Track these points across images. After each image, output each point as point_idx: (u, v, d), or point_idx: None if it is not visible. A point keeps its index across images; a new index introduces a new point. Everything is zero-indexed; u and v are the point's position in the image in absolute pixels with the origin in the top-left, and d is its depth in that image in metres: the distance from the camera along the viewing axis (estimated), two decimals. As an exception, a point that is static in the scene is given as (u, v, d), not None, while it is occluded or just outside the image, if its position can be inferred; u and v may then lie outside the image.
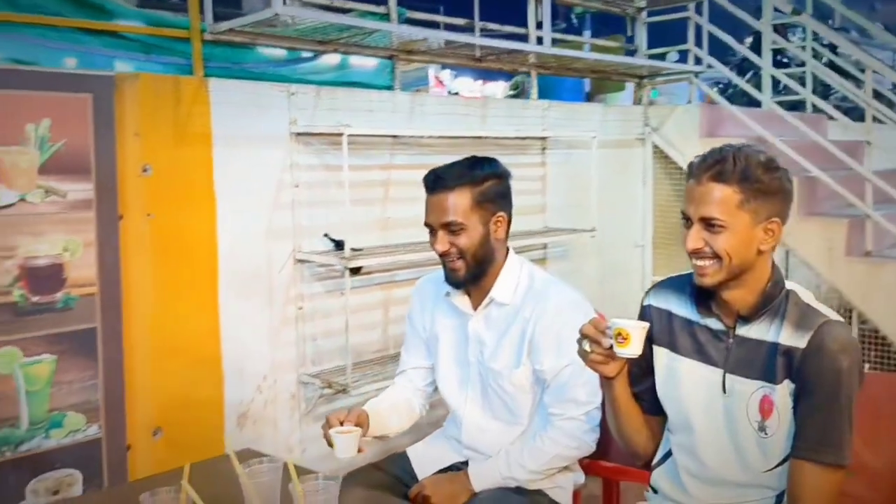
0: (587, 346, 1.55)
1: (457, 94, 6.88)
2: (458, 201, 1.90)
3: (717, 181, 1.50)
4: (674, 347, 1.67)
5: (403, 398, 2.16)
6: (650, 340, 1.67)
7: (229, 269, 3.06)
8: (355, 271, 3.31)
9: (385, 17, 3.54)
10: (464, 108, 3.95)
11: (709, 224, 1.52)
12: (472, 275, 1.98)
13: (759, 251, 1.54)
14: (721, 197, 1.50)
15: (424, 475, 2.02)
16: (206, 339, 3.02)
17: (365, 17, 3.44)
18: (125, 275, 2.78)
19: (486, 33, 4.20)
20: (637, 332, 1.51)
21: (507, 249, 2.06)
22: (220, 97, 3.01)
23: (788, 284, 1.61)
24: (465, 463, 2.03)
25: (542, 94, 4.37)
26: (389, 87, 3.67)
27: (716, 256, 1.53)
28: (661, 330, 1.69)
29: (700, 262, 1.54)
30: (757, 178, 1.51)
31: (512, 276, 2.02)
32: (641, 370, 1.70)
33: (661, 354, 1.69)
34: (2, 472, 2.51)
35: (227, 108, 3.02)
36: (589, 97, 5.62)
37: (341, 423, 1.78)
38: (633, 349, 1.52)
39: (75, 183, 2.62)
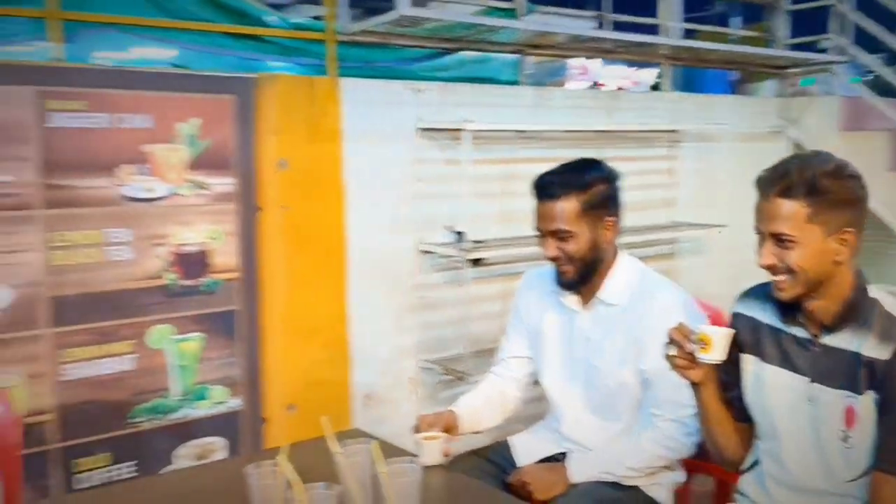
0: (672, 350, 1.57)
1: (595, 84, 6.82)
2: (566, 209, 1.94)
3: (783, 196, 1.49)
4: (761, 355, 1.66)
5: (497, 391, 2.24)
6: (738, 347, 1.66)
7: (357, 258, 3.24)
8: (476, 262, 3.42)
9: (512, 12, 3.60)
10: (591, 102, 3.95)
11: (779, 240, 1.50)
12: (581, 277, 2.02)
13: (835, 262, 1.51)
14: (789, 212, 1.48)
15: (524, 464, 2.09)
16: (335, 323, 3.21)
17: (491, 14, 3.51)
18: (262, 262, 3.01)
19: (618, 25, 4.17)
20: (719, 338, 1.52)
21: (616, 249, 2.09)
22: (351, 96, 3.18)
23: (874, 292, 1.56)
24: (564, 455, 2.08)
25: (685, 85, 4.29)
26: (516, 82, 3.73)
27: (790, 271, 1.52)
28: (749, 337, 1.68)
29: (775, 278, 1.53)
30: (824, 188, 1.47)
31: (621, 277, 2.05)
32: (731, 377, 1.70)
33: (748, 362, 1.68)
34: (153, 437, 2.80)
35: (357, 105, 3.19)
36: (736, 87, 5.42)
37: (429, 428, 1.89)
38: (715, 355, 1.52)
39: (219, 177, 2.87)
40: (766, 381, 1.64)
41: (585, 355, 2.09)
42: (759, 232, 1.55)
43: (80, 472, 2.67)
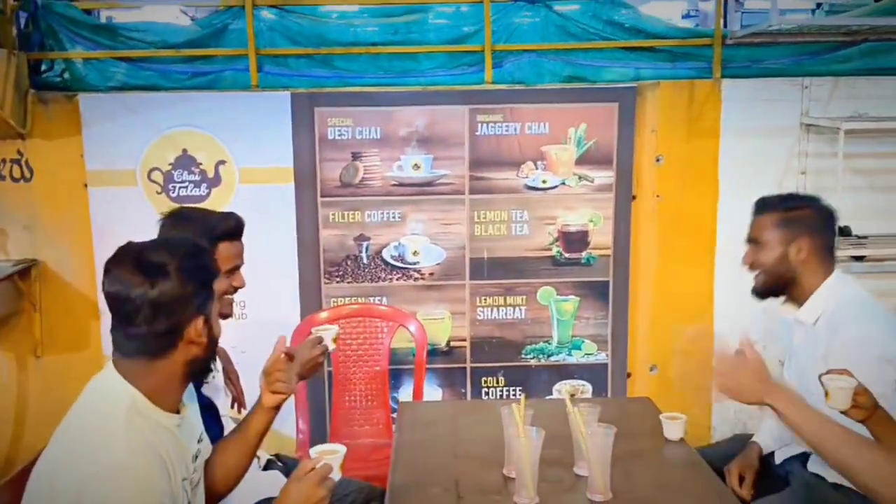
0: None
1: None
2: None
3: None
4: None
5: None
6: None
7: (726, 243, 3.54)
8: (859, 259, 3.43)
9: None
10: None
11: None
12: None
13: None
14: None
15: None
16: (702, 299, 3.60)
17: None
18: (634, 242, 3.56)
19: None
20: (832, 387, 1.67)
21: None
22: (731, 94, 3.47)
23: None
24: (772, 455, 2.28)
25: None
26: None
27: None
28: None
29: None
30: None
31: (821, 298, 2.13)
32: None
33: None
34: (537, 372, 3.62)
35: (737, 103, 3.47)
36: None
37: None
38: (834, 404, 1.68)
39: (601, 171, 3.49)
40: None
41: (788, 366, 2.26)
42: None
43: (485, 387, 3.63)
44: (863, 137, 3.37)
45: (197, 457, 1.65)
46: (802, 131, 3.48)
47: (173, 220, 2.03)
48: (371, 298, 3.52)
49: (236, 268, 2.08)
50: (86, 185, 3.44)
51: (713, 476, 1.89)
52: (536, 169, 3.47)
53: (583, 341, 3.62)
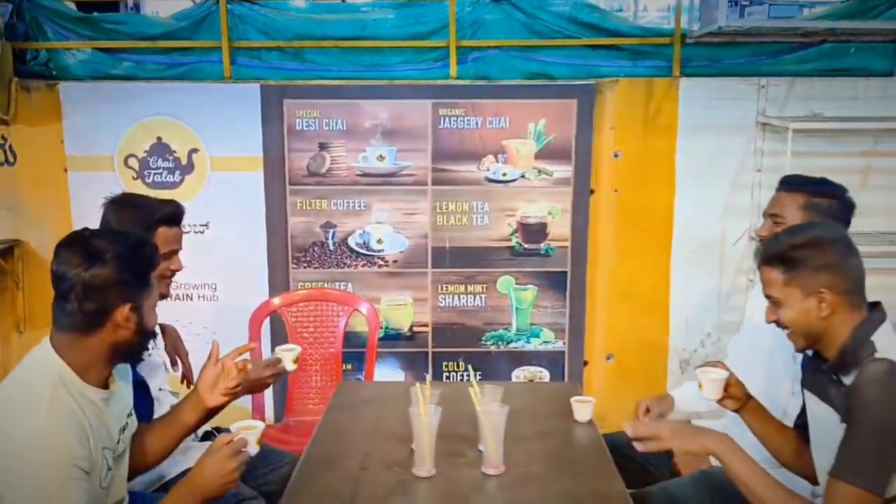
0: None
1: None
2: None
3: (766, 265, 1.72)
4: (810, 388, 1.79)
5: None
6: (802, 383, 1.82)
7: (683, 238, 3.65)
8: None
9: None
10: None
11: (772, 300, 1.71)
12: None
13: (820, 318, 1.65)
14: (770, 278, 1.72)
15: None
16: (657, 292, 3.70)
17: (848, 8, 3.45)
18: (592, 235, 3.66)
19: None
20: (704, 379, 1.81)
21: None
22: (689, 93, 3.56)
23: (880, 335, 1.62)
24: None
25: None
26: (890, 73, 3.57)
27: (785, 327, 1.71)
28: (808, 374, 1.81)
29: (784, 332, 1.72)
30: (794, 258, 1.67)
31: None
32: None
33: (806, 397, 1.82)
34: (496, 357, 3.75)
35: (694, 102, 3.56)
36: None
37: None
38: (708, 394, 1.82)
39: (560, 166, 3.59)
40: (813, 414, 1.79)
41: None
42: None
43: (446, 371, 3.77)
44: (815, 137, 3.44)
45: (124, 429, 1.80)
46: (758, 130, 3.56)
47: (116, 205, 2.18)
48: (337, 284, 3.66)
49: (174, 252, 2.21)
50: (66, 170, 3.61)
51: (607, 457, 2.01)
52: (497, 162, 3.58)
53: (541, 329, 3.74)
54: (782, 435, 1.89)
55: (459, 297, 3.70)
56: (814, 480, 1.84)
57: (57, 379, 1.62)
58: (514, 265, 3.68)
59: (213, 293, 3.71)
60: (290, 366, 2.19)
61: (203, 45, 3.64)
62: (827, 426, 1.70)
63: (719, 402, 1.87)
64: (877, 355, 1.58)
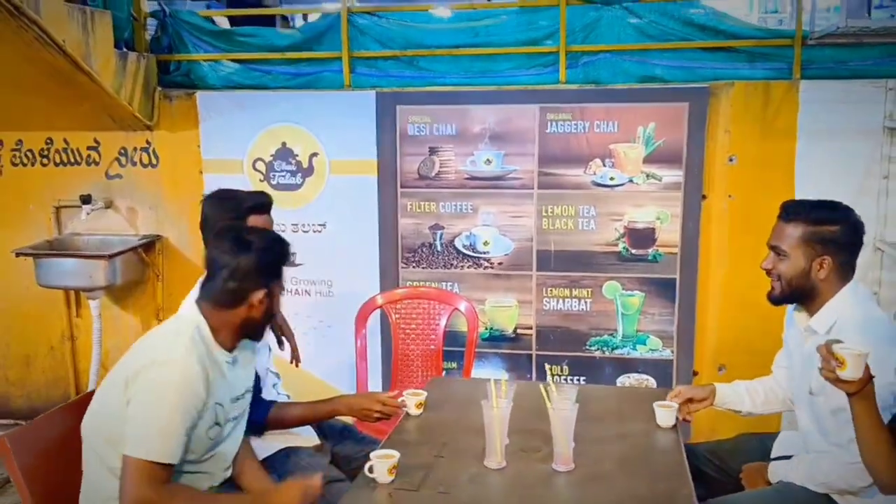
0: (822, 365, 1.75)
1: None
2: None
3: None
4: None
5: (768, 388, 2.44)
6: None
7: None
8: (945, 267, 3.28)
9: None
10: None
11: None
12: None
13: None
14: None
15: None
16: (773, 303, 3.55)
17: None
18: (705, 242, 3.57)
19: None
20: (851, 357, 1.67)
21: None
22: (810, 96, 3.41)
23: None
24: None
25: None
26: None
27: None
28: None
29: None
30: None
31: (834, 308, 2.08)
32: None
33: None
34: (601, 363, 3.73)
35: (815, 105, 3.41)
36: None
37: (690, 401, 2.32)
38: (848, 373, 1.68)
39: (669, 170, 3.54)
40: None
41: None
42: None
43: (550, 374, 3.79)
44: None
45: (237, 399, 2.02)
46: (885, 135, 3.36)
47: (212, 198, 2.41)
48: (443, 284, 3.77)
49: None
50: (201, 172, 3.92)
51: (681, 461, 1.99)
52: (604, 166, 3.58)
53: (648, 336, 3.69)
54: (883, 433, 1.78)
55: (564, 301, 3.72)
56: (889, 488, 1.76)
57: (196, 330, 1.91)
58: (620, 270, 3.65)
59: (329, 289, 3.91)
60: (413, 410, 2.32)
61: (326, 55, 3.85)
62: None
63: (836, 384, 1.75)
64: None
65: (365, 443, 2.51)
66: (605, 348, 3.72)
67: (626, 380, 3.75)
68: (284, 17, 6.68)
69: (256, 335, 2.06)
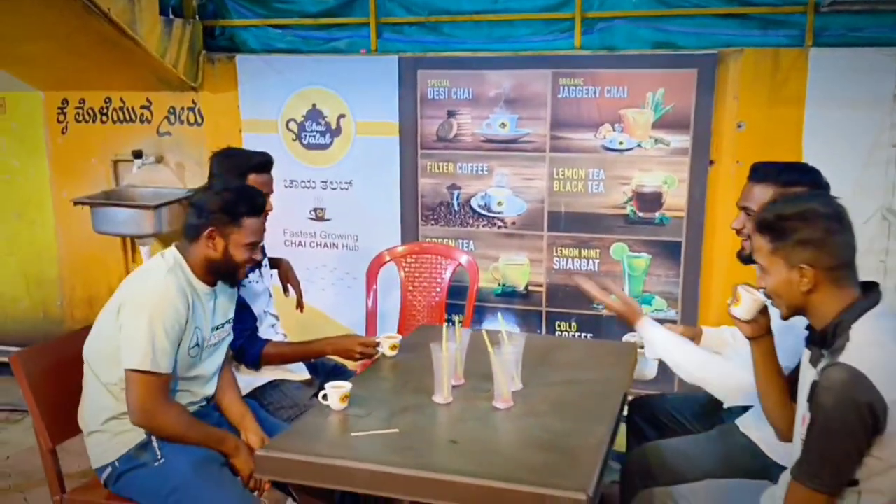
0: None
1: None
2: None
3: (756, 231, 1.73)
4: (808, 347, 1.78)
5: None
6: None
7: (807, 214, 3.53)
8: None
9: None
10: None
11: (759, 268, 1.74)
12: None
13: (802, 292, 1.65)
14: (758, 245, 1.74)
15: None
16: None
17: None
18: (711, 206, 3.65)
19: None
20: (745, 297, 1.81)
21: None
22: (819, 63, 3.42)
23: (860, 324, 1.56)
24: None
25: None
26: None
27: (768, 295, 1.73)
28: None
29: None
30: (781, 228, 1.67)
31: None
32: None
33: (803, 356, 1.81)
34: (607, 321, 3.87)
35: (824, 73, 3.42)
36: None
37: None
38: (738, 311, 1.83)
39: (678, 135, 3.61)
40: (804, 376, 1.79)
41: None
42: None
43: (559, 331, 3.96)
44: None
45: (217, 328, 2.31)
46: (895, 104, 3.35)
47: (219, 156, 2.70)
48: (460, 241, 3.98)
49: (265, 194, 2.66)
50: (241, 131, 4.22)
51: (614, 406, 2.16)
52: (614, 131, 3.68)
53: (653, 297, 3.81)
54: (776, 382, 1.91)
55: (573, 261, 3.87)
56: (786, 436, 1.88)
57: (174, 263, 2.21)
58: (628, 233, 3.77)
59: (356, 243, 4.18)
60: (387, 352, 2.55)
61: (354, 21, 4.07)
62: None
63: (746, 322, 1.89)
64: (844, 354, 1.60)
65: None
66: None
67: (631, 338, 3.87)
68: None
69: (226, 278, 2.30)
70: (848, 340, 1.61)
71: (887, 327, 1.63)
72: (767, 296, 1.77)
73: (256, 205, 2.25)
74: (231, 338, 2.41)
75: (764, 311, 1.90)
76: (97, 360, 2.17)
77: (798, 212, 1.67)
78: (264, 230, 2.36)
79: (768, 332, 1.89)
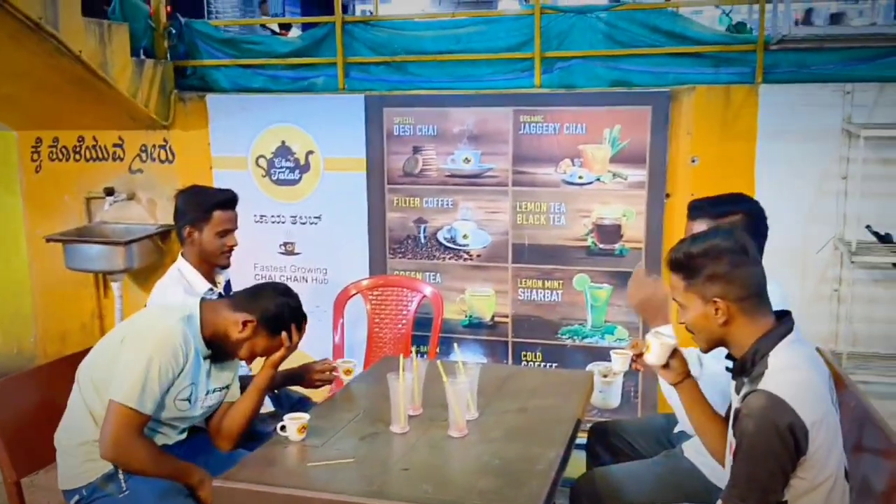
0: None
1: None
2: None
3: (670, 270, 1.84)
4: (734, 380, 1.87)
5: None
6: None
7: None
8: (899, 265, 3.41)
9: None
10: None
11: (678, 305, 1.83)
12: None
13: (720, 324, 1.75)
14: (674, 283, 1.84)
15: None
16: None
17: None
18: (668, 238, 3.76)
19: None
20: (654, 342, 1.91)
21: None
22: (770, 99, 3.57)
23: (776, 355, 1.67)
24: None
25: None
26: None
27: (689, 330, 1.83)
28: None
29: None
30: (692, 266, 1.78)
31: None
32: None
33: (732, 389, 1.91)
34: (572, 352, 3.96)
35: (774, 108, 3.56)
36: None
37: None
38: (651, 358, 1.93)
39: (635, 170, 3.73)
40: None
41: None
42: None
43: (525, 361, 4.04)
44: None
45: (213, 392, 2.35)
46: (844, 137, 3.49)
47: (184, 193, 2.79)
48: (427, 274, 4.06)
49: (229, 231, 2.74)
50: (211, 168, 4.30)
51: (566, 432, 2.23)
52: (574, 166, 3.80)
53: (616, 327, 3.90)
54: (710, 420, 2.01)
55: (537, 292, 3.96)
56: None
57: (192, 312, 2.27)
58: (589, 264, 3.87)
59: (325, 276, 4.25)
60: (342, 376, 2.66)
61: (323, 61, 4.18)
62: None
63: (661, 367, 2.01)
64: (763, 380, 1.68)
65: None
66: (575, 337, 3.95)
67: (595, 367, 3.95)
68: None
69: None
70: (766, 367, 1.70)
71: (803, 353, 1.73)
72: (689, 330, 1.86)
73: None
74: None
75: (675, 353, 2.00)
76: (87, 385, 2.21)
77: (703, 249, 1.77)
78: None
79: (688, 374, 2.00)
